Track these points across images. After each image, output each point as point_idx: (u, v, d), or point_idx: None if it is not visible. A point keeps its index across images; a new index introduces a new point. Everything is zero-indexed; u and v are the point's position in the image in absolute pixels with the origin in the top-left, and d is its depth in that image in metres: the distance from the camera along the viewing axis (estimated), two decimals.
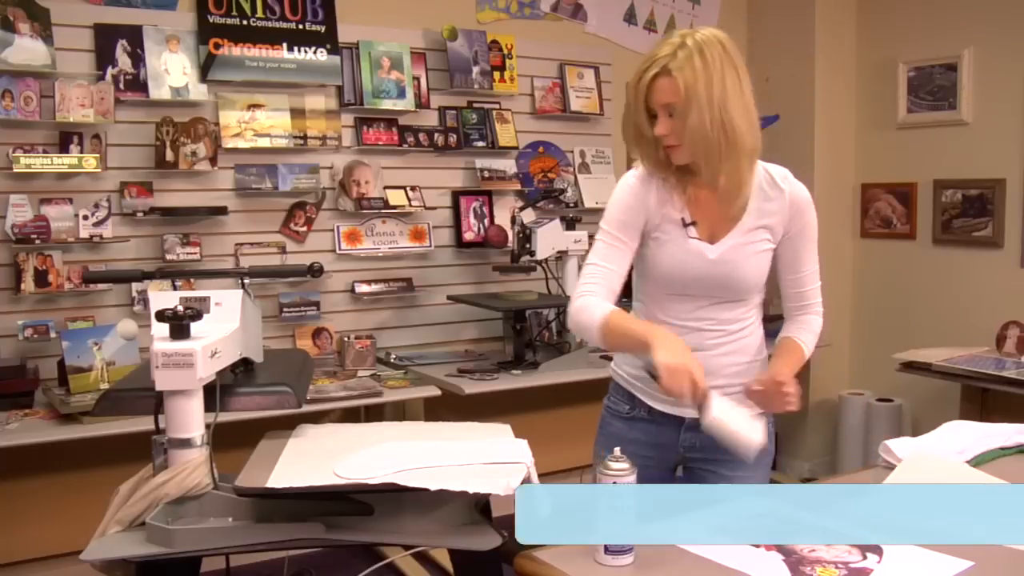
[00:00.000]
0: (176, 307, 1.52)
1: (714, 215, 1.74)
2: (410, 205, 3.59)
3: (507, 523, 1.49)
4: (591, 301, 1.69)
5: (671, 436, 1.82)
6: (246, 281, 1.89)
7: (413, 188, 3.62)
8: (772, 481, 4.42)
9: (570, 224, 3.56)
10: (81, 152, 3.01)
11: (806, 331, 1.81)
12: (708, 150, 1.63)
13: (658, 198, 1.74)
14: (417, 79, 3.63)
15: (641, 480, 1.52)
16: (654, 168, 1.73)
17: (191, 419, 1.52)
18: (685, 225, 1.73)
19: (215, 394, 1.56)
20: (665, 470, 1.85)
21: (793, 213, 1.74)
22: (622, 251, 1.74)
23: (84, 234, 3.03)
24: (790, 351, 1.79)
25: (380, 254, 3.59)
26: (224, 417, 1.60)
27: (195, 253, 3.21)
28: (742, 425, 1.53)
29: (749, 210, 1.73)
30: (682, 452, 1.83)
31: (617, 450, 1.41)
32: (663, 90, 1.63)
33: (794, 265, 1.79)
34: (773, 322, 4.42)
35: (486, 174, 3.76)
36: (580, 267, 1.98)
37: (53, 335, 2.98)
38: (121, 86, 3.09)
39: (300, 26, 3.37)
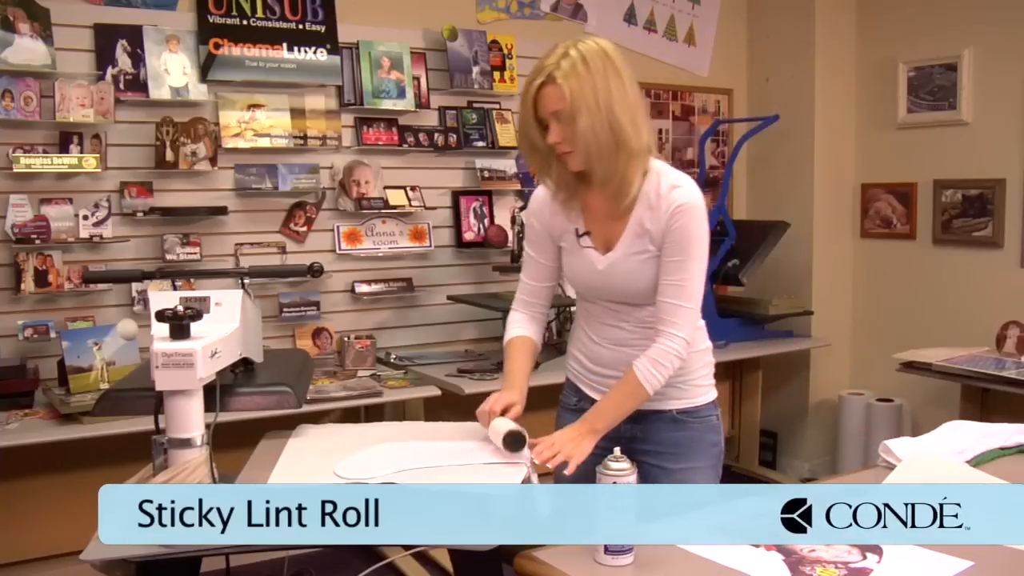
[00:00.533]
0: (176, 307, 1.52)
1: (608, 223, 1.79)
2: (410, 205, 3.59)
3: None
4: (512, 318, 1.95)
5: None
6: (246, 281, 1.89)
7: (413, 188, 3.62)
8: (772, 481, 4.42)
9: None
10: (81, 152, 3.01)
11: (650, 361, 1.73)
12: (600, 152, 1.68)
13: (556, 211, 1.85)
14: (417, 79, 3.63)
15: (593, 468, 1.58)
16: (547, 179, 1.81)
17: (191, 419, 1.51)
18: (579, 235, 1.82)
19: (215, 394, 1.56)
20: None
21: (666, 219, 1.72)
22: (537, 265, 1.92)
23: (84, 234, 3.03)
24: (614, 392, 1.77)
25: (380, 254, 3.59)
26: (224, 417, 1.60)
27: (195, 253, 3.21)
28: (496, 433, 1.70)
29: (634, 218, 1.75)
30: (625, 443, 1.83)
31: (617, 450, 1.42)
32: (550, 98, 1.68)
33: (661, 273, 1.74)
34: (772, 321, 4.39)
35: (486, 174, 3.76)
36: None
37: (53, 335, 2.98)
38: (121, 86, 3.09)
39: (300, 26, 3.37)
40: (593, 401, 1.89)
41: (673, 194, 1.72)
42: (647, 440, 1.86)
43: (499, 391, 1.84)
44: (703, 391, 1.88)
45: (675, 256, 1.72)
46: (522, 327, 1.94)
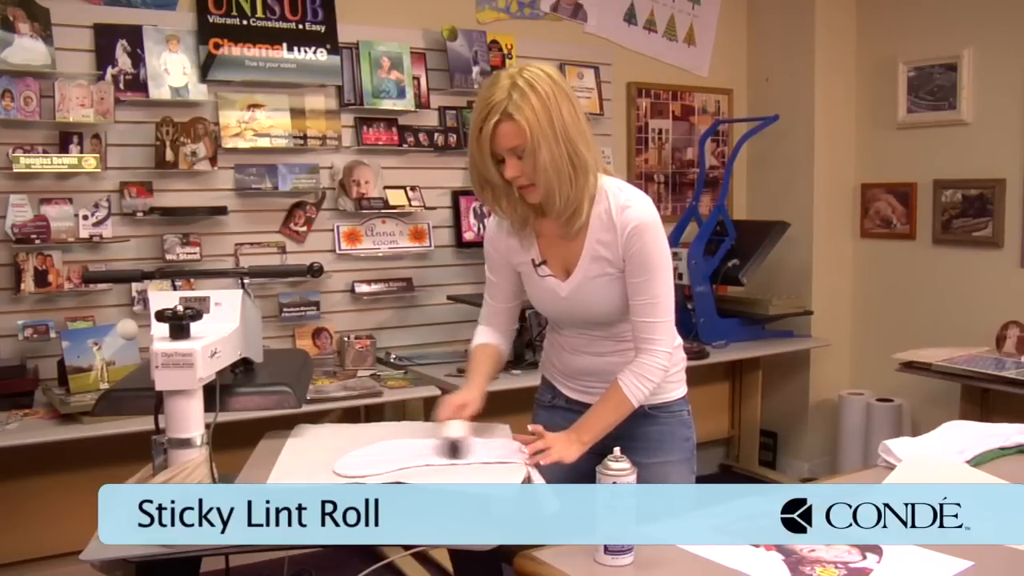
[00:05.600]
0: (176, 307, 1.52)
1: (563, 248, 1.80)
2: (410, 205, 3.59)
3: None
4: (478, 330, 1.97)
5: None
6: (246, 281, 1.89)
7: (413, 188, 3.62)
8: (772, 481, 4.41)
9: None
10: (81, 152, 3.01)
11: (634, 375, 1.75)
12: (561, 181, 1.67)
13: (511, 242, 1.85)
14: (417, 79, 3.63)
15: (570, 466, 1.64)
16: (503, 213, 1.79)
17: (191, 419, 1.51)
18: (536, 265, 1.83)
19: (215, 394, 1.56)
20: (590, 455, 1.84)
21: (623, 242, 1.73)
22: (498, 287, 1.93)
23: (84, 234, 3.03)
24: (600, 404, 1.77)
25: (380, 254, 3.59)
26: (224, 417, 1.60)
27: (195, 253, 3.21)
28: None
29: (589, 240, 1.76)
30: (600, 441, 1.85)
31: (617, 450, 1.42)
32: (507, 134, 1.65)
33: (629, 294, 1.76)
34: (772, 321, 4.38)
35: None
36: None
37: (53, 335, 2.98)
38: (121, 86, 3.09)
39: (300, 26, 3.37)
40: (568, 399, 1.93)
41: (626, 215, 1.72)
42: (621, 436, 1.84)
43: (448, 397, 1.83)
44: (674, 387, 1.91)
45: (640, 276, 1.73)
46: (486, 336, 1.96)
